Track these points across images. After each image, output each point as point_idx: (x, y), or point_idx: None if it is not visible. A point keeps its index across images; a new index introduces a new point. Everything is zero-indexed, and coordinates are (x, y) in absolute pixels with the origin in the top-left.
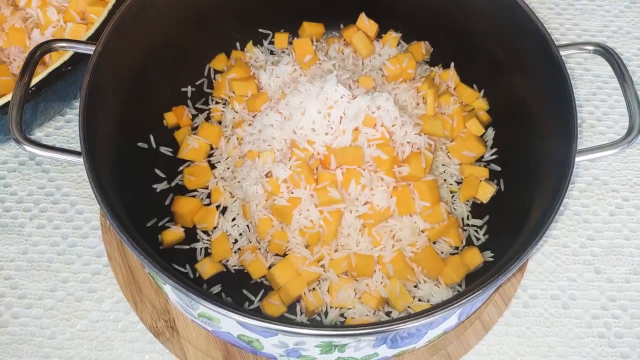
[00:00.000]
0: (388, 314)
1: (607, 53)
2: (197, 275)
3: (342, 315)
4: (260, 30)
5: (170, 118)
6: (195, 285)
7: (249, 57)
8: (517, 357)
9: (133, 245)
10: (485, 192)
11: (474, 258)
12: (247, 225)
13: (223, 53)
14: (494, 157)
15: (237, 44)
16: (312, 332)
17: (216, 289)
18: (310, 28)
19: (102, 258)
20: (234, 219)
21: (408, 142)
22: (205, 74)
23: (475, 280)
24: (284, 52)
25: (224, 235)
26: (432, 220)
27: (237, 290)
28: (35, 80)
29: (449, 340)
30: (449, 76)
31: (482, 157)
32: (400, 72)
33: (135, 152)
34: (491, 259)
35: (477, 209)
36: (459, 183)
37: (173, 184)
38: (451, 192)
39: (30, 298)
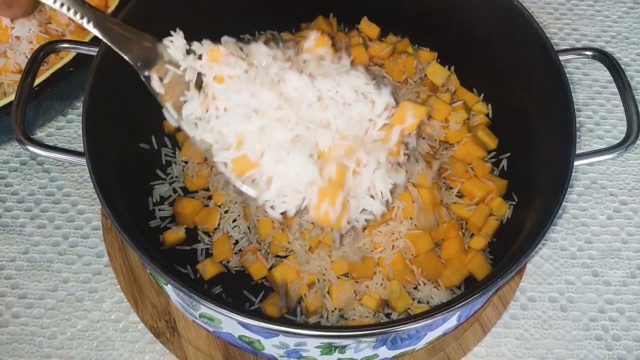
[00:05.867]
0: (388, 315)
1: (605, 58)
2: (198, 276)
3: (342, 316)
4: (261, 31)
5: (169, 124)
6: (197, 286)
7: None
8: (515, 359)
9: (135, 246)
10: (501, 209)
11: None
12: (248, 227)
13: None
14: (493, 160)
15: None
16: (313, 332)
17: (217, 289)
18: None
19: (103, 258)
20: (234, 220)
21: (408, 143)
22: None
23: (474, 283)
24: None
25: (225, 236)
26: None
27: (237, 291)
28: (38, 81)
29: (448, 341)
30: (449, 80)
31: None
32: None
33: (137, 153)
34: (490, 262)
35: None
36: (459, 196)
37: (175, 184)
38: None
39: (30, 298)
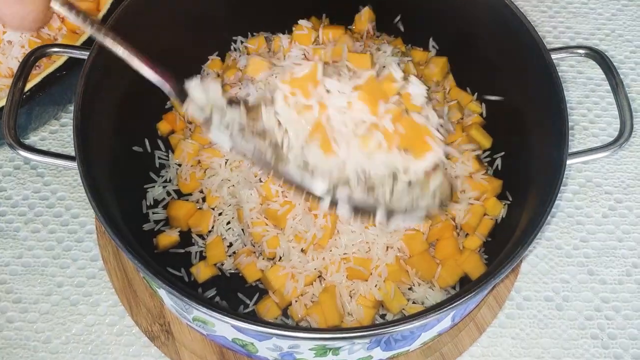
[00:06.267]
0: (382, 316)
1: (597, 56)
2: (192, 279)
3: None
4: (253, 33)
5: (163, 126)
6: (189, 290)
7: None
8: (511, 359)
9: (127, 250)
10: (495, 209)
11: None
12: (242, 229)
13: (218, 56)
14: (487, 159)
15: (232, 46)
16: (306, 335)
17: (211, 292)
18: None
19: (97, 262)
20: (228, 223)
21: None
22: (201, 77)
23: (469, 283)
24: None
25: (218, 238)
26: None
27: (232, 293)
28: (29, 85)
29: (443, 342)
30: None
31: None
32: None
33: (130, 156)
34: (485, 262)
35: None
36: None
37: (168, 187)
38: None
39: (25, 302)
